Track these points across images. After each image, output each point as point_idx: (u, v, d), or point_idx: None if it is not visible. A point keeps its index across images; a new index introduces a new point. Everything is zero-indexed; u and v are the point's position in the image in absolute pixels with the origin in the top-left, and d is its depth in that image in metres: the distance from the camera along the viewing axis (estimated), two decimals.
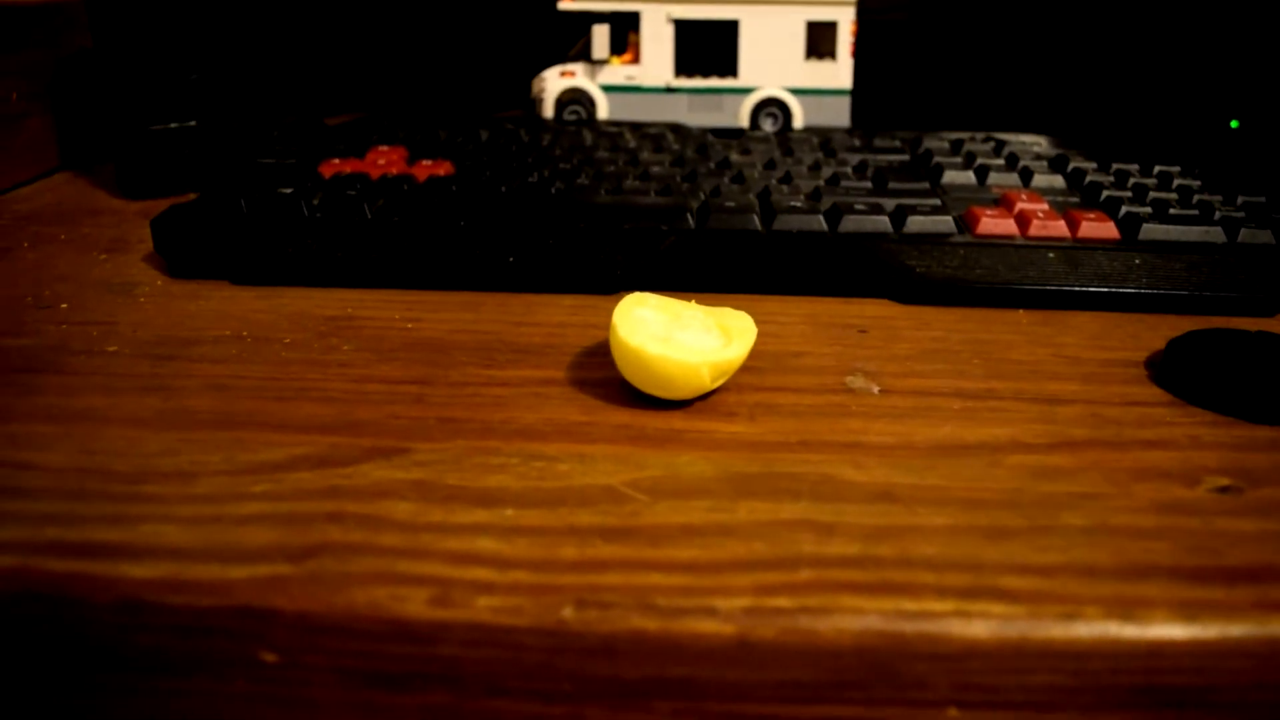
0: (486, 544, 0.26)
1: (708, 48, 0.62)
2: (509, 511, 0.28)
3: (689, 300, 0.37)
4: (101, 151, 0.67)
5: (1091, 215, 0.46)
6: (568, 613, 0.24)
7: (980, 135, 0.59)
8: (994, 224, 0.45)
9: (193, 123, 0.58)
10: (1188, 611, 0.25)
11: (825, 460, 0.31)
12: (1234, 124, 0.63)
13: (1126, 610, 0.25)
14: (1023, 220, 0.46)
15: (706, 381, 0.32)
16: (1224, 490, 0.30)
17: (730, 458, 0.31)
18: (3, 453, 0.31)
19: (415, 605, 0.25)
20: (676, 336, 0.33)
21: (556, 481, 0.29)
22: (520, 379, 0.35)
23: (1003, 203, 0.48)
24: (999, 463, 0.31)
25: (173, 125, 0.58)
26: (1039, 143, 0.59)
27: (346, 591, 0.25)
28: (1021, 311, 0.42)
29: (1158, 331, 0.40)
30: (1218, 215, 0.46)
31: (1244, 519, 0.28)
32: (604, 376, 0.35)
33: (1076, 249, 0.44)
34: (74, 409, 0.34)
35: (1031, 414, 0.34)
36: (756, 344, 0.36)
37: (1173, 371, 0.36)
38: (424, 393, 0.34)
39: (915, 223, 0.45)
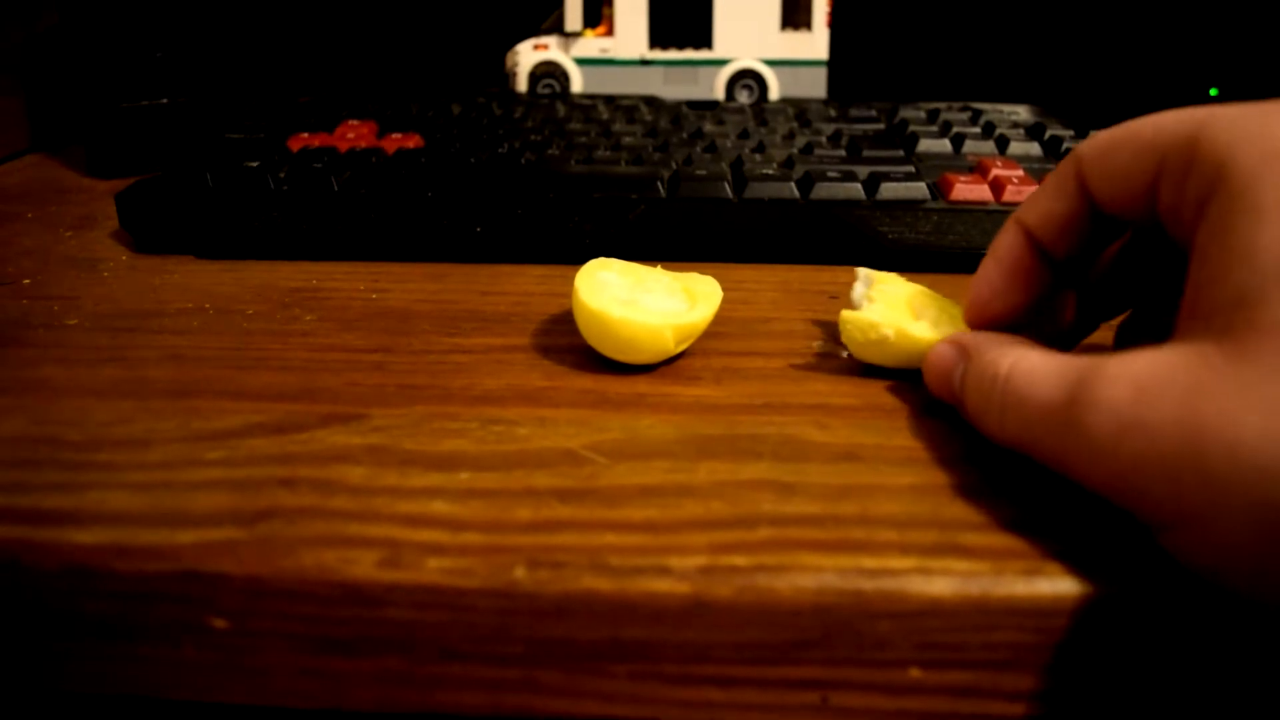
0: (440, 506, 0.26)
1: (682, 19, 0.61)
2: (464, 475, 0.27)
3: (657, 266, 0.36)
4: (72, 132, 0.66)
5: None
6: (519, 573, 0.24)
7: (958, 105, 0.59)
8: (967, 190, 0.45)
9: (163, 100, 0.57)
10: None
11: (789, 422, 0.30)
12: (1213, 92, 0.63)
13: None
14: (997, 186, 0.45)
15: (670, 345, 0.32)
16: None
17: (693, 420, 0.30)
18: None
19: (364, 567, 0.24)
20: (640, 300, 0.33)
21: (515, 445, 0.29)
22: (483, 346, 0.35)
23: (977, 169, 0.48)
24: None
25: (142, 103, 0.57)
26: (1017, 112, 0.58)
27: (295, 554, 0.24)
28: None
29: None
30: None
31: None
32: (568, 343, 0.35)
33: None
34: (29, 380, 0.33)
35: None
36: (725, 310, 0.35)
37: None
38: (385, 360, 0.34)
39: (888, 189, 0.45)
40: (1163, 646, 0.24)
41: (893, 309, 0.32)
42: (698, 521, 0.25)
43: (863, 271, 0.35)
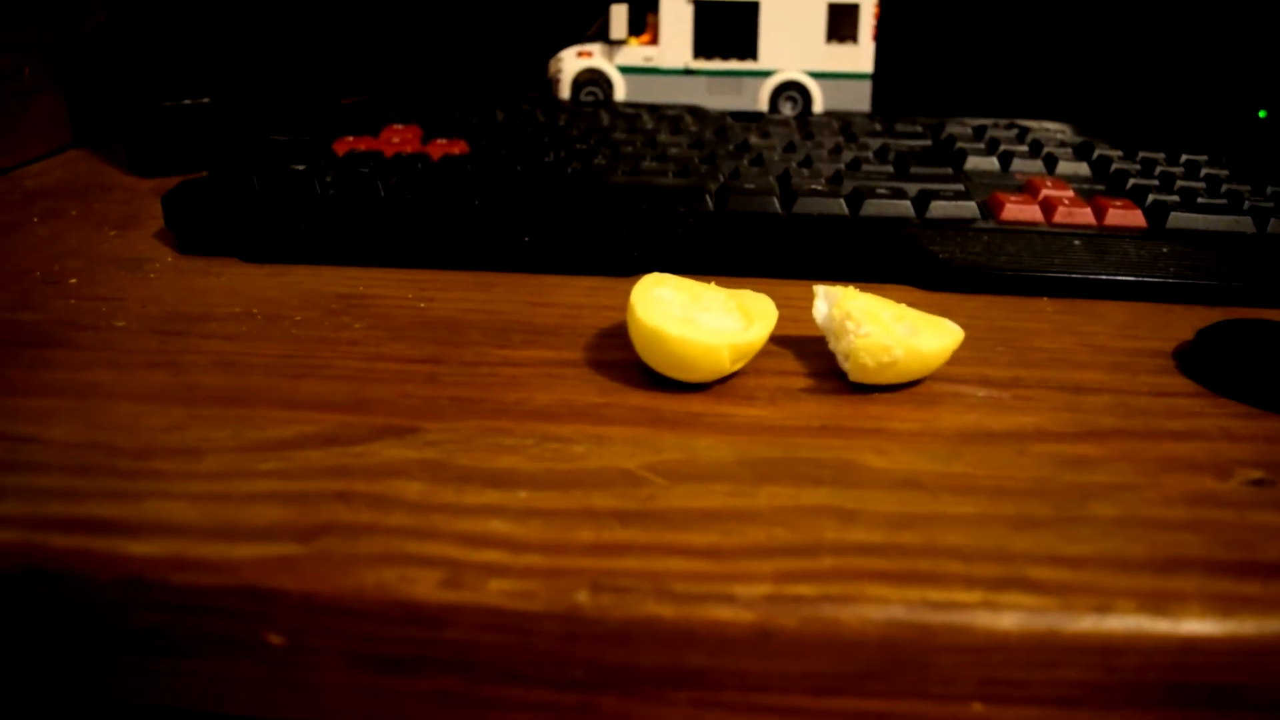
0: (499, 526, 0.26)
1: (727, 29, 0.61)
2: (522, 493, 0.27)
3: (708, 282, 0.36)
4: (115, 129, 0.66)
5: (1118, 203, 0.45)
6: (582, 597, 0.23)
7: (1004, 122, 0.58)
8: (1019, 210, 0.45)
9: (206, 100, 0.57)
10: (1222, 606, 0.24)
11: (847, 446, 0.30)
12: (1262, 114, 0.62)
13: (1159, 604, 0.24)
14: (1048, 207, 0.45)
15: (726, 364, 0.32)
16: (1257, 483, 0.29)
17: (750, 442, 0.30)
18: (7, 426, 0.30)
19: (425, 587, 0.24)
20: (696, 318, 0.33)
21: (571, 463, 0.28)
22: (535, 359, 0.35)
23: (1027, 189, 0.47)
24: (1026, 451, 0.30)
25: (186, 102, 0.57)
26: (1063, 130, 0.58)
27: (354, 572, 0.24)
28: (1046, 300, 0.41)
29: (1186, 321, 0.39)
30: (1246, 205, 0.45)
31: (1277, 512, 0.27)
32: (621, 358, 0.35)
33: (1103, 236, 0.43)
34: (80, 384, 0.33)
35: (1058, 403, 0.33)
36: (777, 328, 0.35)
37: (1201, 362, 0.35)
38: (436, 372, 0.34)
39: (938, 208, 0.44)
40: (1232, 690, 0.24)
41: (882, 326, 0.32)
42: (760, 548, 0.25)
43: (822, 289, 0.35)
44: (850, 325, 0.32)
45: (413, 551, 0.25)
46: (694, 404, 0.32)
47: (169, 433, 0.30)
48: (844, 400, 0.33)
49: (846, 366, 0.33)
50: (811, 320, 0.36)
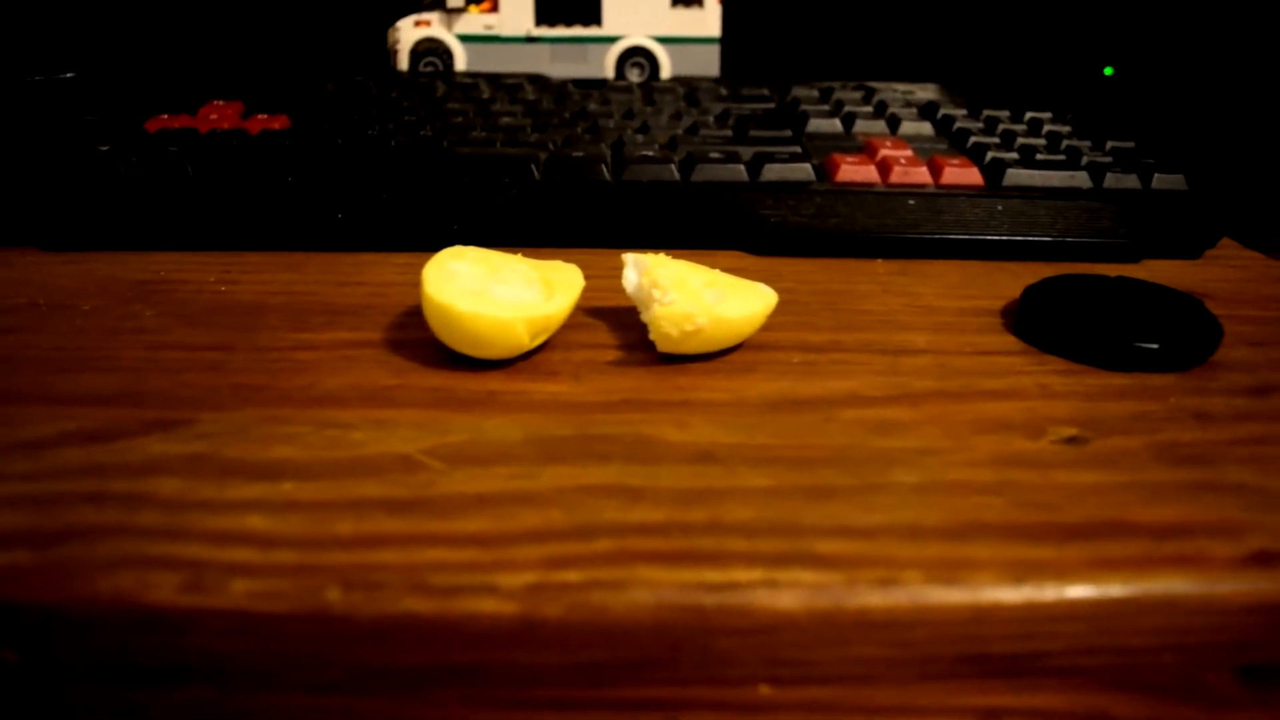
0: (255, 521, 0.24)
1: None
2: (287, 485, 0.25)
3: (513, 254, 0.34)
4: None
5: (955, 161, 0.44)
6: (332, 595, 0.22)
7: (853, 84, 0.57)
8: (854, 171, 0.43)
9: (24, 78, 0.54)
10: (1014, 572, 0.23)
11: (646, 420, 0.28)
12: (1108, 71, 0.62)
13: (949, 573, 0.23)
14: (884, 167, 0.44)
15: (525, 339, 0.30)
16: (1070, 441, 0.28)
17: (543, 420, 0.28)
18: None
19: (164, 592, 0.22)
20: (491, 291, 0.31)
21: (347, 451, 0.27)
22: (331, 342, 0.33)
23: (865, 150, 0.46)
24: (833, 418, 0.29)
25: None
26: (912, 91, 0.57)
27: (90, 579, 0.22)
28: (880, 261, 0.40)
29: (1019, 280, 0.39)
30: (1084, 160, 0.44)
31: (1086, 471, 0.27)
32: (424, 338, 0.33)
33: (938, 195, 0.43)
34: None
35: (876, 366, 0.32)
36: (593, 299, 0.33)
37: (1027, 319, 0.35)
38: (223, 359, 0.32)
39: (772, 170, 0.43)
40: (1028, 659, 0.23)
41: (689, 293, 0.31)
42: (532, 533, 0.23)
43: (631, 257, 0.33)
44: (656, 294, 0.31)
45: (156, 553, 0.23)
46: (492, 382, 0.30)
47: None
48: (651, 372, 0.31)
49: (652, 337, 0.31)
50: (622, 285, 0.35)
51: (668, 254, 0.33)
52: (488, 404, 0.29)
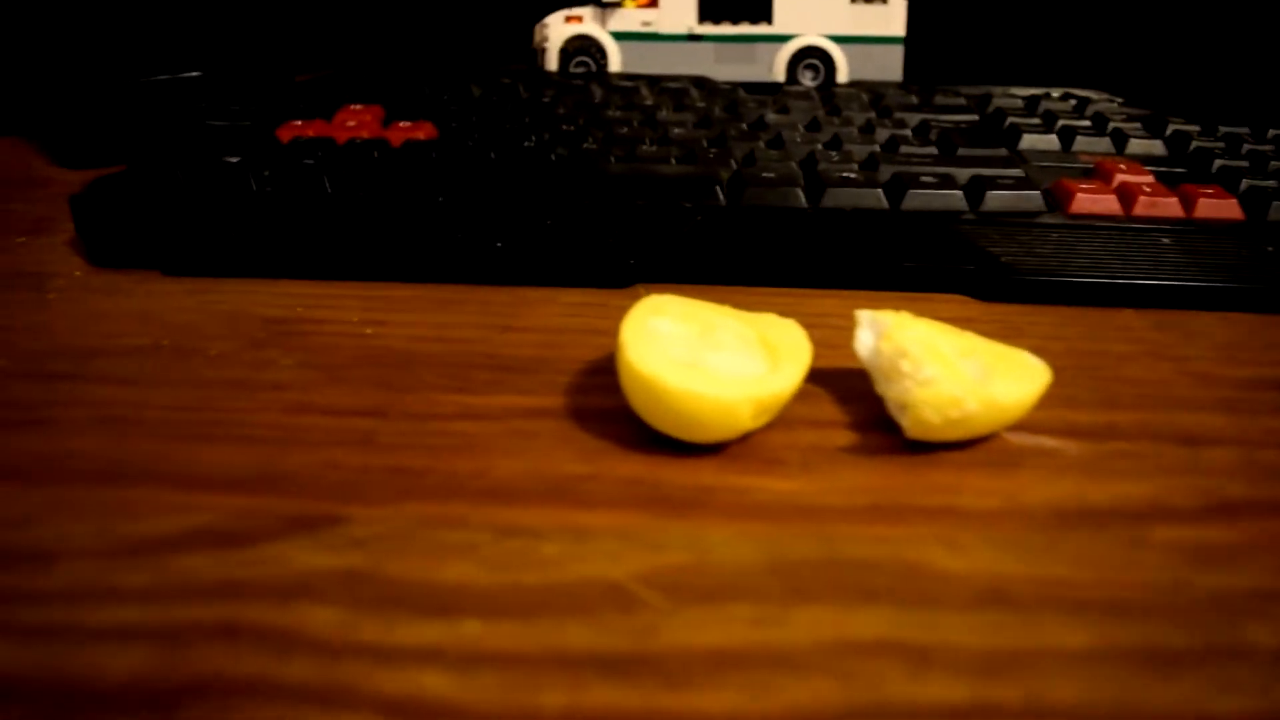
0: (435, 682, 0.18)
1: None
2: (471, 625, 0.20)
3: (721, 304, 0.28)
4: (42, 113, 0.59)
5: (1208, 190, 0.37)
6: None
7: (1057, 92, 0.51)
8: (1091, 201, 0.37)
9: (141, 79, 0.50)
10: None
11: (907, 537, 0.22)
12: None
13: None
14: (1126, 195, 0.37)
15: (747, 422, 0.24)
16: None
17: (778, 533, 0.22)
18: None
19: None
20: (706, 359, 0.25)
21: (540, 573, 0.21)
22: (500, 409, 0.27)
23: (1098, 173, 0.40)
24: (1142, 539, 0.23)
25: (116, 82, 0.49)
26: (1121, 102, 0.50)
27: None
28: (1131, 312, 0.34)
29: None
30: None
31: None
32: (612, 405, 0.27)
33: (1193, 232, 0.36)
34: None
35: (1170, 460, 0.26)
36: (812, 360, 0.28)
37: None
38: (375, 429, 0.26)
39: (995, 198, 0.37)
40: None
41: (947, 367, 0.25)
42: (798, 715, 0.18)
43: (865, 314, 0.27)
44: (906, 366, 0.25)
45: None
46: (704, 473, 0.25)
47: (21, 528, 0.23)
48: (898, 464, 0.25)
49: (903, 421, 0.25)
50: (849, 346, 0.29)
51: (878, 304, 0.27)
52: (705, 506, 0.23)
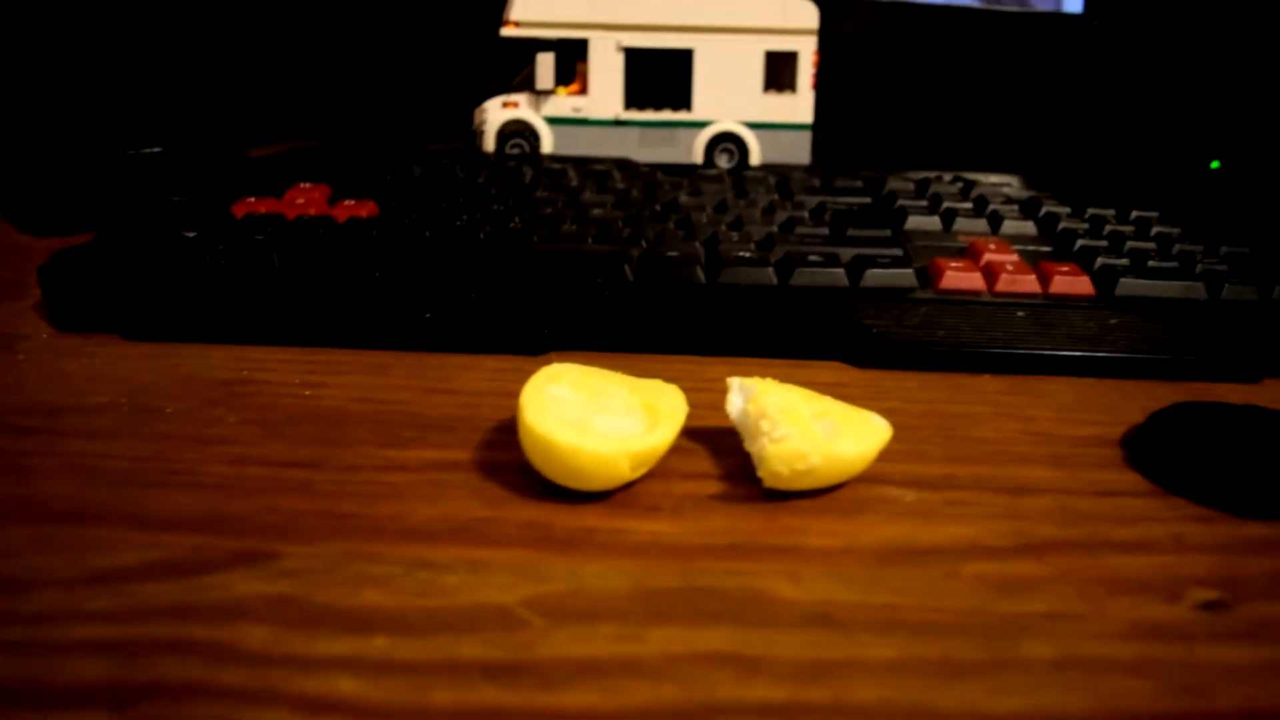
0: (346, 685, 0.22)
1: (660, 79, 0.58)
2: (379, 640, 0.24)
3: (614, 372, 0.33)
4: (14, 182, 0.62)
5: (1065, 268, 0.42)
6: None
7: (949, 175, 0.56)
8: (959, 278, 0.42)
9: (101, 151, 0.54)
10: None
11: (756, 570, 0.27)
12: (1214, 164, 0.60)
13: None
14: (990, 273, 0.42)
15: (626, 473, 0.29)
16: (1210, 606, 0.26)
17: (646, 567, 0.27)
18: None
19: None
20: (593, 421, 0.29)
21: (441, 599, 0.25)
22: (420, 462, 0.31)
23: (969, 253, 0.44)
24: (956, 572, 0.27)
25: (79, 155, 0.53)
26: (1010, 184, 0.55)
27: None
28: (988, 377, 0.39)
29: (1136, 401, 0.37)
30: (1199, 268, 0.42)
31: (1233, 645, 0.25)
32: (515, 459, 0.31)
33: (1049, 306, 0.41)
34: None
35: (995, 508, 0.30)
36: (692, 418, 0.32)
37: (1151, 454, 0.33)
38: (310, 479, 0.30)
39: (873, 276, 0.41)
40: None
41: (800, 426, 0.29)
42: (644, 712, 0.22)
43: (735, 381, 0.32)
44: (765, 425, 0.29)
45: None
46: (589, 517, 0.29)
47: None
48: (757, 510, 0.29)
49: (760, 472, 0.30)
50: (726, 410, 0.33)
51: (765, 370, 0.32)
52: (586, 544, 0.27)
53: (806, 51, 0.58)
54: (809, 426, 0.29)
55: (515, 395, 0.35)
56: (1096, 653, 0.24)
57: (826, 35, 0.58)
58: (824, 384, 0.36)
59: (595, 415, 0.30)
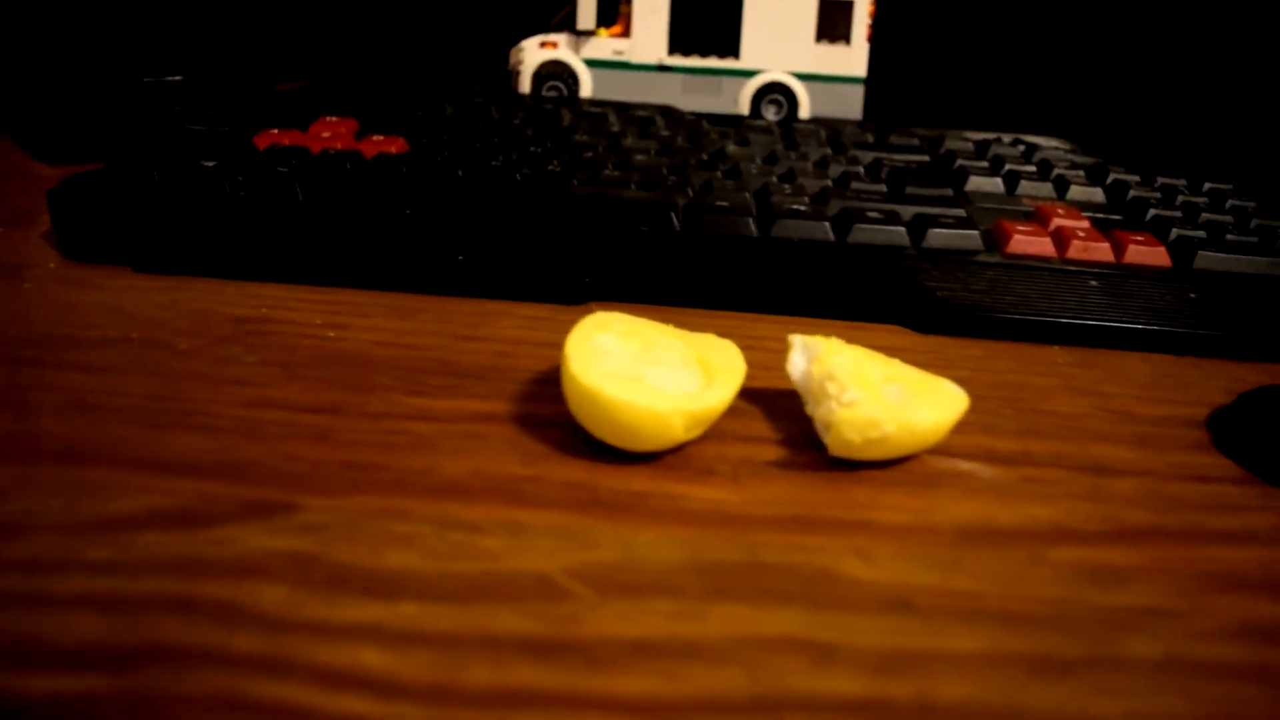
0: (372, 657, 0.20)
1: (707, 23, 0.55)
2: (408, 607, 0.21)
3: (665, 324, 0.30)
4: (25, 109, 0.60)
5: (1139, 237, 0.39)
6: None
7: (1008, 137, 0.53)
8: (1028, 242, 0.39)
9: (124, 80, 0.51)
10: None
11: (824, 547, 0.24)
12: None
13: None
14: (1060, 239, 0.39)
15: (679, 433, 0.26)
16: None
17: (704, 537, 0.24)
18: None
19: None
20: (645, 375, 0.27)
21: (477, 563, 0.23)
22: (452, 412, 0.29)
23: (1036, 217, 0.42)
24: (1042, 557, 0.24)
25: (99, 81, 0.51)
26: (1070, 149, 0.52)
27: None
28: (1057, 349, 0.36)
29: (1217, 381, 0.34)
30: None
31: None
32: (557, 413, 0.29)
33: (1122, 276, 0.38)
34: None
35: (1077, 488, 0.27)
36: (746, 378, 0.29)
37: (1244, 438, 0.30)
38: (331, 426, 0.28)
39: (937, 236, 0.39)
40: None
41: (870, 391, 0.26)
42: (708, 702, 0.19)
43: (798, 339, 0.29)
44: (832, 388, 0.27)
45: (255, 695, 0.19)
46: (638, 480, 0.26)
47: None
48: (821, 480, 0.27)
49: (826, 439, 0.27)
50: (783, 369, 0.30)
51: (819, 330, 0.29)
52: (636, 510, 0.25)
53: (862, 1, 0.54)
54: (880, 392, 0.27)
55: (554, 345, 0.33)
56: (1202, 654, 0.22)
57: None
58: (883, 347, 0.33)
59: (646, 368, 0.27)
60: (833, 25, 0.55)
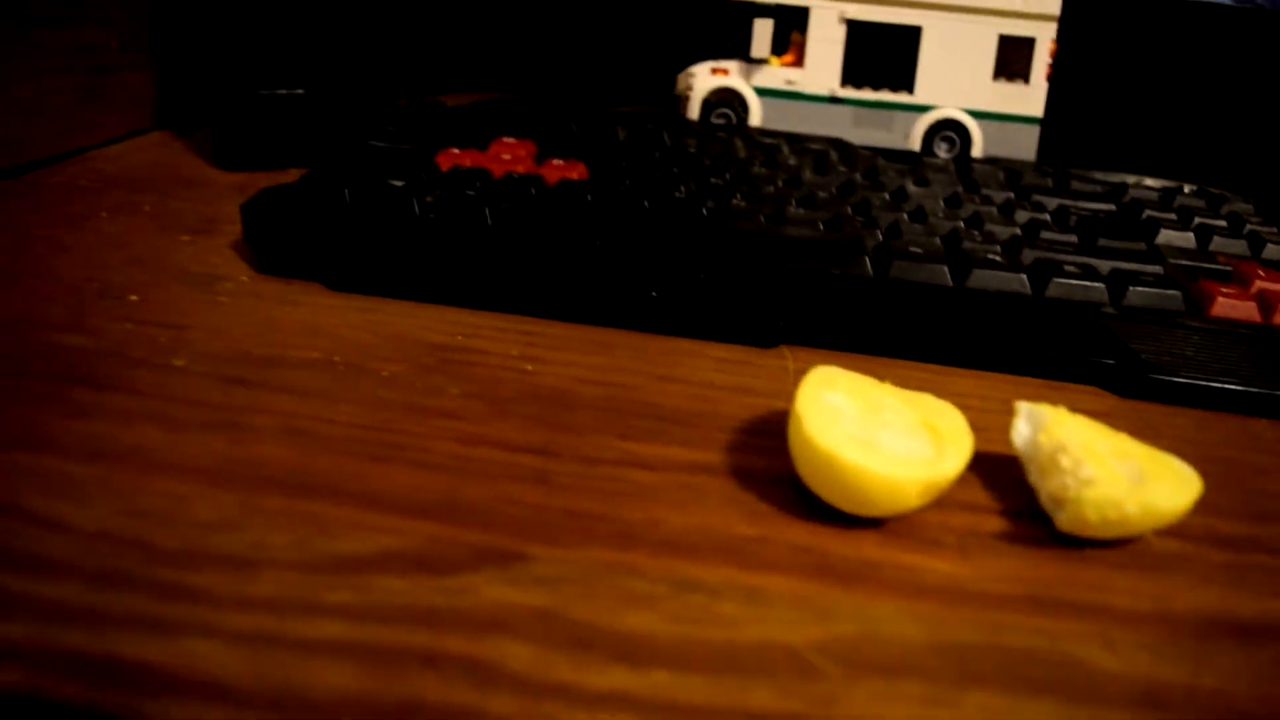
0: None
1: (882, 56, 0.54)
2: (659, 675, 0.21)
3: (881, 380, 0.30)
4: (202, 113, 0.61)
5: None
6: None
7: (1190, 187, 0.51)
8: (1231, 306, 0.38)
9: (300, 90, 0.52)
10: None
11: (1065, 632, 0.23)
12: None
13: None
14: (1266, 303, 0.38)
15: (913, 500, 0.25)
16: None
17: (942, 614, 0.23)
18: (34, 500, 0.25)
19: None
20: (877, 438, 0.26)
21: (718, 630, 0.22)
22: (664, 460, 0.29)
23: (1237, 278, 0.40)
24: None
25: (279, 91, 0.51)
26: (1253, 202, 0.50)
27: None
28: (1265, 422, 0.35)
29: None
30: None
31: None
32: (770, 468, 0.28)
33: None
34: (123, 445, 0.27)
35: None
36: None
37: None
38: (546, 469, 0.28)
39: (1137, 295, 0.38)
40: None
41: (1105, 469, 0.26)
42: None
43: (1025, 407, 0.28)
44: (1065, 463, 0.26)
45: None
46: (867, 546, 0.26)
47: (219, 531, 0.24)
48: (1050, 557, 0.26)
49: (1057, 515, 0.26)
50: (992, 429, 0.30)
51: (1015, 389, 0.28)
52: (870, 580, 0.24)
53: (1044, 39, 0.53)
54: (1113, 469, 0.26)
55: (752, 391, 0.32)
56: None
57: (1067, 23, 0.53)
58: (1085, 410, 0.33)
59: (879, 431, 0.26)
60: (1011, 62, 0.54)
